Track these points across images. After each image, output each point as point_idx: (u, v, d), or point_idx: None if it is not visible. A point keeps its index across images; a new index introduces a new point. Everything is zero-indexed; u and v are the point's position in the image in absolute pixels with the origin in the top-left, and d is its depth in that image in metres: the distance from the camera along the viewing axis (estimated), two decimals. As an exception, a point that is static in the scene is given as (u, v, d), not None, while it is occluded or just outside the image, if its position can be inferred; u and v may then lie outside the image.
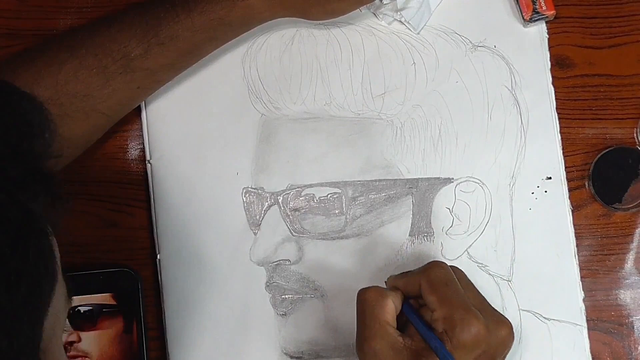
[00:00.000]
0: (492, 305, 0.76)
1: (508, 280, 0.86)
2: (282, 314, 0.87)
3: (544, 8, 0.88)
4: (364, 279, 0.86)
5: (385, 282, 0.80)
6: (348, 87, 0.88)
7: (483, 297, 0.77)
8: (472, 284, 0.78)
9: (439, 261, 0.77)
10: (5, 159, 0.52)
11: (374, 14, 0.88)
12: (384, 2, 0.87)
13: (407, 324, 0.76)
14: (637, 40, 0.89)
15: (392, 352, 0.73)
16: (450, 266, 0.77)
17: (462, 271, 0.78)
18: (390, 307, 0.75)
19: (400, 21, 0.88)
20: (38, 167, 0.54)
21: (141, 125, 0.89)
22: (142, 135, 0.89)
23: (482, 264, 0.86)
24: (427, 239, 0.87)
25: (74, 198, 0.59)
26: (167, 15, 0.80)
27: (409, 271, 0.78)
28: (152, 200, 0.88)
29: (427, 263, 0.77)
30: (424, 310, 0.76)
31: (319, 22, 0.87)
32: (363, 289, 0.76)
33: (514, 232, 0.87)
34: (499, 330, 0.74)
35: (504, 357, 0.75)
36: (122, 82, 0.80)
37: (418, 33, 0.88)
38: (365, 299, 0.75)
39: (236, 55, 0.89)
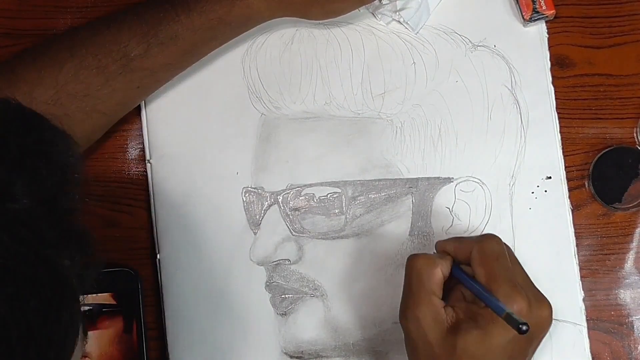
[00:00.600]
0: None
1: (508, 280, 0.86)
2: (282, 314, 0.87)
3: (544, 8, 0.88)
4: (364, 278, 0.86)
5: (435, 245, 0.79)
6: (348, 87, 0.88)
7: (528, 276, 0.76)
8: (519, 262, 0.77)
9: (494, 235, 0.76)
10: (41, 218, 0.50)
11: (373, 14, 0.88)
12: (383, 3, 0.87)
13: (451, 292, 0.76)
14: (637, 40, 0.89)
15: (433, 323, 0.73)
16: None
17: (510, 248, 0.77)
18: (438, 276, 0.75)
19: (398, 21, 0.88)
20: (73, 225, 0.52)
21: (141, 125, 0.89)
22: (142, 135, 0.89)
23: (482, 263, 0.86)
24: (427, 238, 0.87)
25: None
26: (167, 15, 0.80)
27: (461, 237, 0.79)
28: (152, 200, 0.88)
29: (483, 234, 0.78)
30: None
31: (318, 21, 0.87)
32: (413, 255, 0.76)
33: (514, 231, 0.87)
34: (540, 310, 0.73)
35: (541, 339, 0.75)
36: (122, 82, 0.80)
37: (416, 33, 0.88)
38: (414, 266, 0.75)
39: (236, 55, 0.89)
